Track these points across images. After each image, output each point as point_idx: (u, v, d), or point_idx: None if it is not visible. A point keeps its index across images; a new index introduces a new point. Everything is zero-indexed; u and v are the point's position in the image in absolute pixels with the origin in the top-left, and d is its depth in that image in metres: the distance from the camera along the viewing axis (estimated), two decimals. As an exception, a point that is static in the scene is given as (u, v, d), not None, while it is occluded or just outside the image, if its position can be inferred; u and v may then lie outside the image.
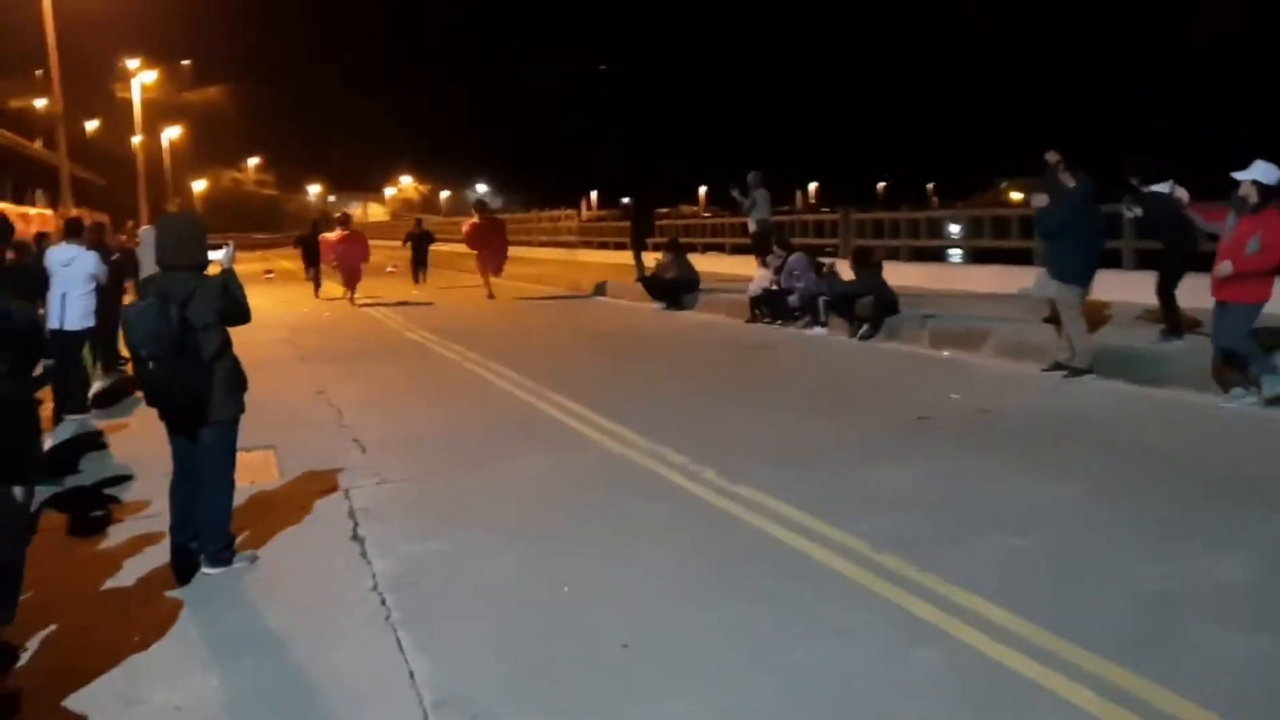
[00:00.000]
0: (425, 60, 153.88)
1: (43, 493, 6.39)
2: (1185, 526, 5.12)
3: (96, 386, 9.78)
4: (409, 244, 23.64)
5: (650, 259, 17.96)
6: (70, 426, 8.15)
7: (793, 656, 3.84)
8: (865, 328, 11.98)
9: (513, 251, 34.08)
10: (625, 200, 21.81)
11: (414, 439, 7.75)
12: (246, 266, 38.42)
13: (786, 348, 11.83)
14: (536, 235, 35.35)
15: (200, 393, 4.79)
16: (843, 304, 12.40)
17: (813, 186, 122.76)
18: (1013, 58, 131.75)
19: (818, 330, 12.77)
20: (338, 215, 23.57)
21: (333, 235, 21.36)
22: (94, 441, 8.01)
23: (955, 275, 15.96)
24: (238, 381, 5.03)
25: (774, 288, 13.74)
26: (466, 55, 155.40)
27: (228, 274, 5.01)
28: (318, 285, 22.29)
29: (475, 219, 20.08)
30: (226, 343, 4.98)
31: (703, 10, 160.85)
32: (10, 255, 6.21)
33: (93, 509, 6.20)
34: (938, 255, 17.58)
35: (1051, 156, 9.02)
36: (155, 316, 4.60)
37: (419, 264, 23.22)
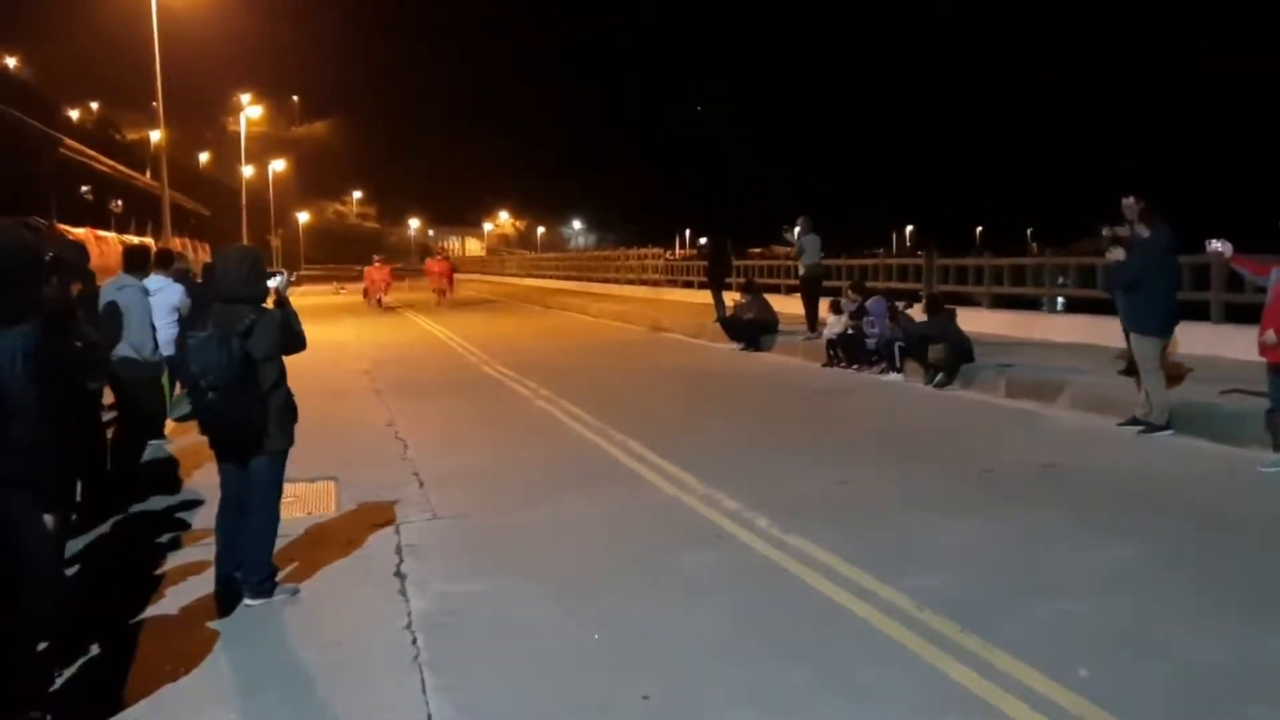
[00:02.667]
0: (525, 99, 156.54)
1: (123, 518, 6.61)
2: (1248, 600, 4.83)
3: (178, 412, 10.08)
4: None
5: (731, 299, 17.88)
6: (148, 452, 8.39)
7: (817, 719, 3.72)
8: (940, 375, 11.71)
9: (597, 288, 34.67)
10: (702, 241, 21.74)
11: (473, 475, 7.80)
12: (313, 298, 39.46)
13: (858, 393, 11.63)
14: (624, 273, 35.59)
15: (257, 423, 4.90)
16: (916, 348, 12.16)
17: (909, 229, 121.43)
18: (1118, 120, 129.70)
19: (893, 376, 12.53)
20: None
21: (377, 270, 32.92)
22: (170, 468, 8.24)
23: (1040, 323, 15.53)
24: (290, 414, 5.12)
25: (850, 332, 13.55)
26: (563, 95, 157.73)
27: (284, 306, 5.15)
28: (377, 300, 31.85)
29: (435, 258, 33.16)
30: (283, 374, 5.08)
31: (804, 51, 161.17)
32: (77, 287, 6.45)
33: (159, 535, 6.37)
34: (1024, 302, 17.14)
35: (1130, 203, 8.63)
36: (217, 349, 4.71)
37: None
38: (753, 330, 16.39)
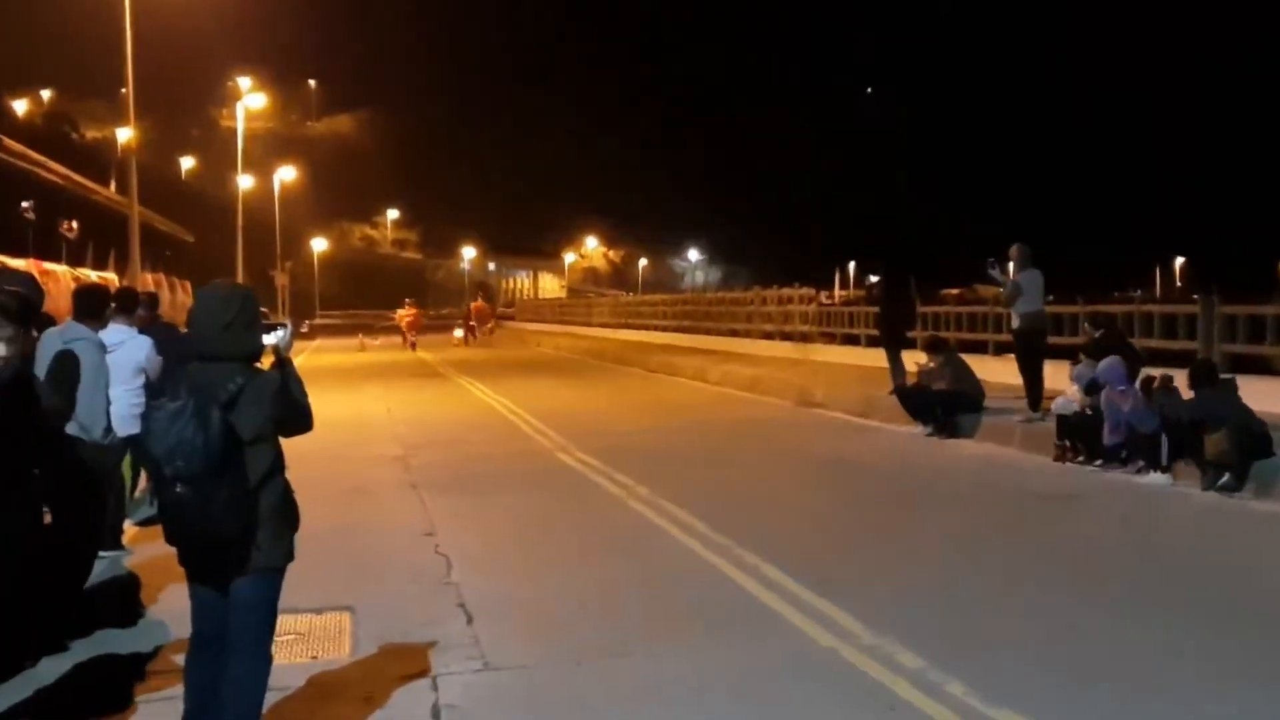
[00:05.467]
0: (625, 85, 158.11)
1: (55, 663, 6.78)
2: None
3: (141, 514, 10.35)
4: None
5: (914, 361, 17.70)
6: (98, 568, 8.61)
7: None
8: (1227, 477, 11.37)
9: (720, 344, 34.67)
10: (873, 278, 21.64)
11: (540, 607, 7.83)
12: (329, 356, 40.25)
13: (1098, 503, 11.36)
14: (759, 322, 35.44)
15: (241, 529, 4.92)
16: (1187, 439, 11.82)
17: (1178, 263, 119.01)
18: None
19: (1154, 477, 12.20)
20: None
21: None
22: (127, 590, 8.45)
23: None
24: (289, 517, 5.17)
25: (1089, 411, 13.26)
26: (678, 77, 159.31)
27: (285, 368, 5.19)
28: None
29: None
30: (280, 462, 5.15)
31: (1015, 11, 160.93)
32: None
33: (111, 684, 6.50)
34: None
35: None
36: (190, 423, 4.74)
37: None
38: (945, 406, 16.16)
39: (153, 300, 12.60)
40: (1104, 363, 13.11)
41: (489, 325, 55.47)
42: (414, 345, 45.93)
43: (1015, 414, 15.60)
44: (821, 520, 10.83)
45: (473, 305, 58.13)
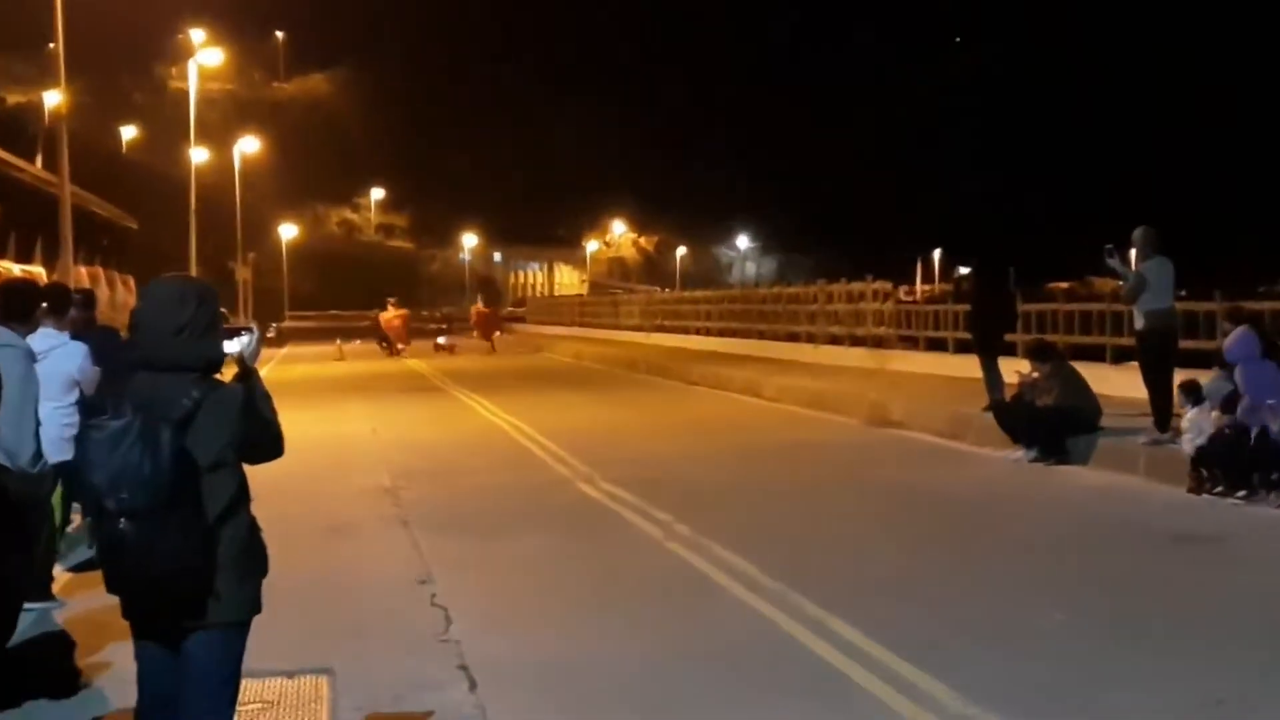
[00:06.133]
0: (657, 38, 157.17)
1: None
2: None
3: (76, 558, 10.35)
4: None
5: (1015, 369, 17.62)
6: (23, 623, 8.60)
7: None
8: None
9: (776, 350, 34.63)
10: (963, 270, 21.58)
11: (559, 673, 7.82)
12: (302, 367, 40.38)
13: (1246, 546, 11.31)
14: (823, 323, 35.32)
15: (197, 573, 4.89)
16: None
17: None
18: None
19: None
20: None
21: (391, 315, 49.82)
22: (59, 650, 8.44)
23: None
24: (254, 559, 5.16)
25: (1227, 431, 13.19)
26: (719, 31, 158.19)
27: (249, 379, 5.18)
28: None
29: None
30: (243, 493, 5.14)
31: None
32: None
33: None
34: None
35: None
36: (136, 446, 4.74)
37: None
38: (1052, 425, 16.10)
39: (88, 299, 12.63)
40: (1246, 365, 13.08)
41: (495, 333, 54.87)
42: (400, 352, 48.37)
43: (1139, 434, 15.52)
44: (899, 566, 10.77)
45: (474, 309, 58.81)
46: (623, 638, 8.64)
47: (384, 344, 49.83)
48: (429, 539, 12.12)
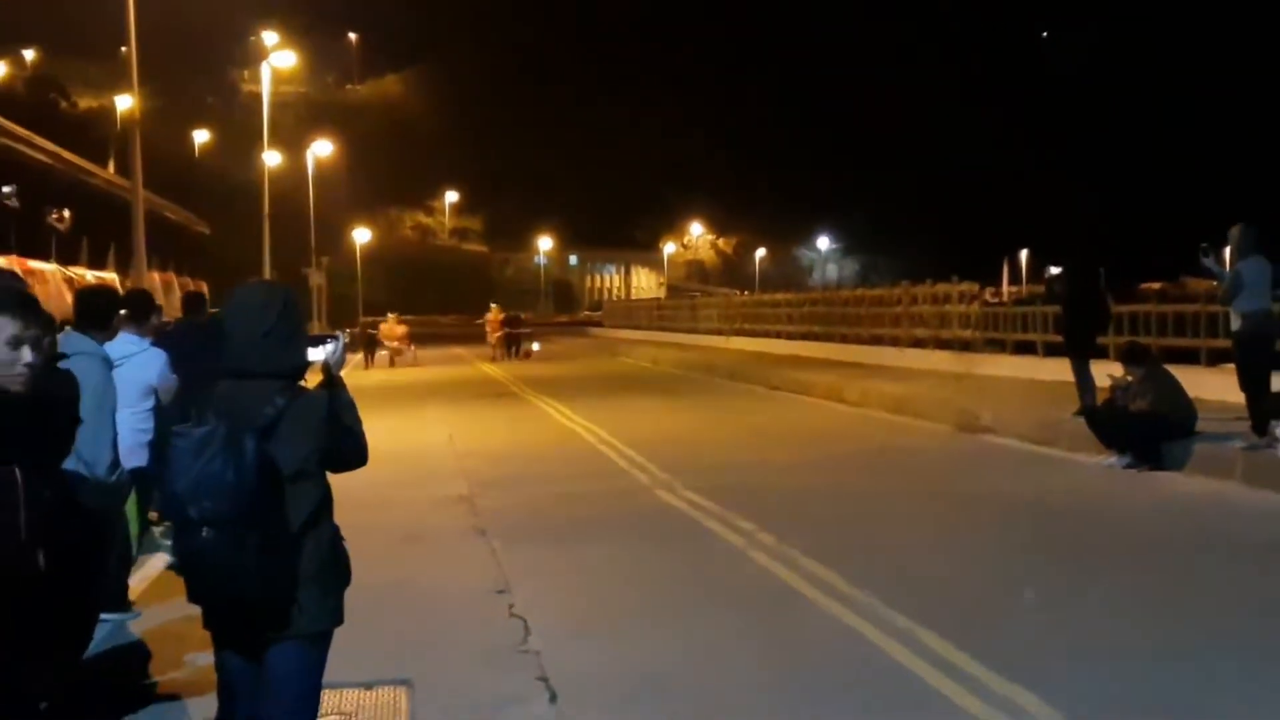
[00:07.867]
0: (737, 36, 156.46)
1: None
2: None
3: (153, 565, 10.48)
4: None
5: (1108, 373, 17.50)
6: (100, 633, 8.68)
7: None
8: None
9: (859, 354, 34.55)
10: (1054, 271, 21.43)
11: (641, 684, 7.82)
12: (377, 374, 40.51)
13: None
14: (908, 326, 35.21)
15: (279, 585, 4.95)
16: None
17: None
18: None
19: None
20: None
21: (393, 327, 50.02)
22: (136, 661, 8.54)
23: None
24: (338, 569, 5.21)
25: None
26: (805, 28, 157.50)
27: (334, 388, 5.22)
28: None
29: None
30: (326, 502, 5.18)
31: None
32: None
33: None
34: None
35: None
36: (220, 454, 4.77)
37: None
38: (1146, 431, 15.97)
39: (195, 302, 12.78)
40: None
41: (525, 348, 52.42)
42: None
43: (1237, 439, 15.37)
44: (991, 576, 10.71)
45: (488, 317, 55.93)
46: (707, 650, 8.63)
47: (370, 354, 48.49)
48: (506, 548, 12.15)
